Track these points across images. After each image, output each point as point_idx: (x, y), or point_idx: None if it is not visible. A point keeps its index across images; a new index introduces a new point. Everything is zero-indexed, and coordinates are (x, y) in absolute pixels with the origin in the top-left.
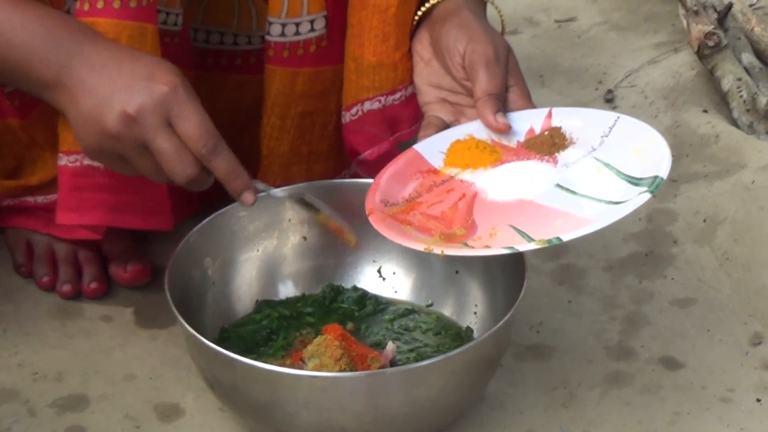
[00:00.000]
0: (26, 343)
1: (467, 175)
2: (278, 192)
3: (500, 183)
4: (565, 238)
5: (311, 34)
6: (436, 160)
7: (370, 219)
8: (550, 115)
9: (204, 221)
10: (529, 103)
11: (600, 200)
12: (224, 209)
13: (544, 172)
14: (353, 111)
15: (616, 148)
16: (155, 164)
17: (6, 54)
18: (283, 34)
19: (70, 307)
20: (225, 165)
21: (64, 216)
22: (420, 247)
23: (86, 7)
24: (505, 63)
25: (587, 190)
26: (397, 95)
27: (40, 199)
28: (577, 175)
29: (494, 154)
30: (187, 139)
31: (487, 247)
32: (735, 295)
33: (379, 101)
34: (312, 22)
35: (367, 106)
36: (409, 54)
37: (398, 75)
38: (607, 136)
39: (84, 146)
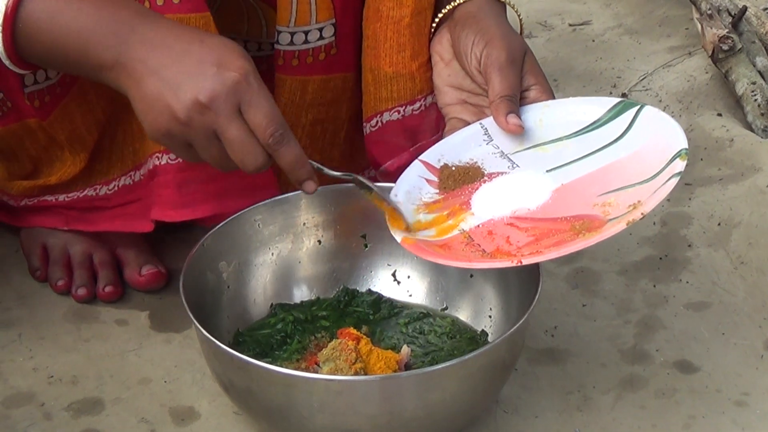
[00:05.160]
0: (41, 347)
1: (471, 220)
2: (333, 172)
3: (500, 199)
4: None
5: (320, 42)
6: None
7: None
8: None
9: (219, 225)
10: (551, 99)
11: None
12: (239, 213)
13: (524, 176)
14: (373, 122)
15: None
16: (223, 152)
17: (63, 40)
18: (292, 43)
19: (86, 311)
20: (290, 155)
21: (175, 213)
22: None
23: (146, 5)
24: (521, 65)
25: (573, 154)
26: (417, 105)
27: (61, 197)
28: (537, 158)
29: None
30: (255, 127)
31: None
32: (750, 298)
33: (398, 112)
34: (321, 30)
35: (386, 117)
36: (428, 64)
37: (416, 85)
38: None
39: (149, 129)
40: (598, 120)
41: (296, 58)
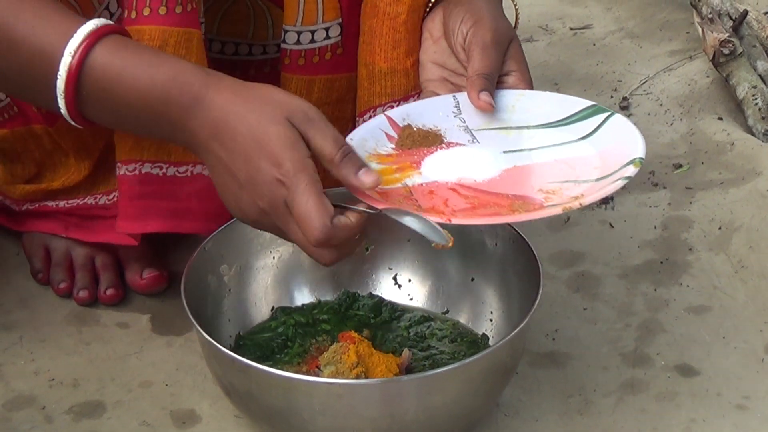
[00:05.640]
0: (43, 350)
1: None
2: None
3: (459, 166)
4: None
5: (326, 42)
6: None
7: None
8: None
9: (220, 228)
10: (529, 88)
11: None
12: None
13: (481, 152)
14: (366, 117)
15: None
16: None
17: (127, 101)
18: (298, 42)
19: (87, 314)
20: (345, 237)
21: (127, 225)
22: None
23: (133, 15)
24: (505, 48)
25: (534, 143)
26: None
27: (62, 203)
28: (499, 139)
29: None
30: (303, 231)
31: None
32: (750, 302)
33: (391, 107)
34: (327, 29)
35: (379, 112)
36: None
37: (410, 81)
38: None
39: (233, 215)
40: (568, 118)
41: (302, 58)
